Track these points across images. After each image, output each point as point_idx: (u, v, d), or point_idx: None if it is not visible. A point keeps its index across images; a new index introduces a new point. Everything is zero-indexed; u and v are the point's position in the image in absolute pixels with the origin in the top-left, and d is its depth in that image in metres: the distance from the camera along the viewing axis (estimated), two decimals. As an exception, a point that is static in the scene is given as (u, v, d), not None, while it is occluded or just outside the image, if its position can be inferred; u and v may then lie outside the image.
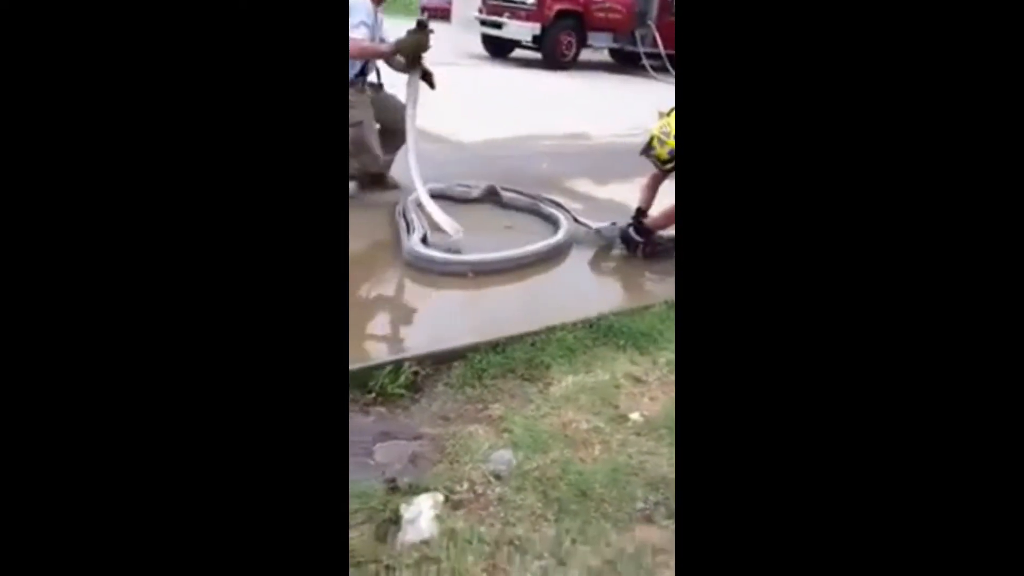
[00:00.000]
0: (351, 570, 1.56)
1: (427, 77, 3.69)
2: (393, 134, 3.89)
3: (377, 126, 3.91)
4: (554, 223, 3.72)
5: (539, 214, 3.91)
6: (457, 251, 3.23)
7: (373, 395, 2.20)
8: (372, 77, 3.96)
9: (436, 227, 3.41)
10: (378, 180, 4.04)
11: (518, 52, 11.63)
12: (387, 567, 1.58)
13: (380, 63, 3.91)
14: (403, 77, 3.69)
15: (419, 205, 3.57)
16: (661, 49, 11.27)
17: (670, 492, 1.86)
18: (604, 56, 12.51)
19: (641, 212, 3.54)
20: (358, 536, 1.66)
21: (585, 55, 11.46)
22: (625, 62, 12.15)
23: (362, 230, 3.39)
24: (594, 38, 11.43)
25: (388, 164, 4.06)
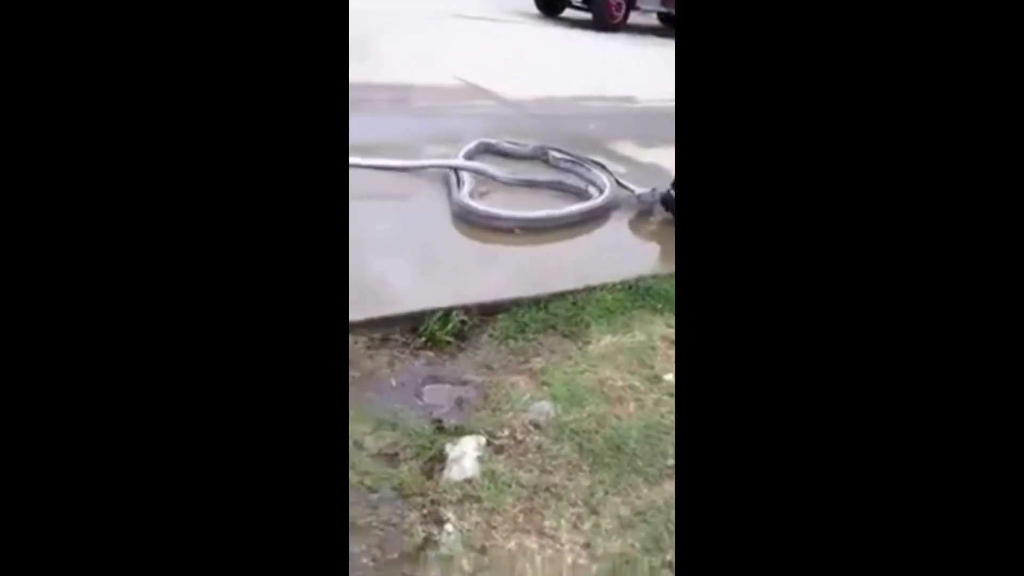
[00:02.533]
0: (400, 502, 1.67)
1: None
2: None
3: None
4: (598, 185, 3.76)
5: (585, 176, 3.95)
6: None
7: (423, 339, 2.30)
8: None
9: None
10: None
11: (568, 12, 11.51)
12: (432, 501, 1.68)
13: None
14: None
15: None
16: (712, 15, 11.08)
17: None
18: (653, 20, 12.34)
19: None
20: (407, 471, 1.77)
21: (634, 18, 11.31)
22: (674, 26, 11.96)
23: (415, 182, 3.48)
24: (643, 1, 11.27)
25: None
